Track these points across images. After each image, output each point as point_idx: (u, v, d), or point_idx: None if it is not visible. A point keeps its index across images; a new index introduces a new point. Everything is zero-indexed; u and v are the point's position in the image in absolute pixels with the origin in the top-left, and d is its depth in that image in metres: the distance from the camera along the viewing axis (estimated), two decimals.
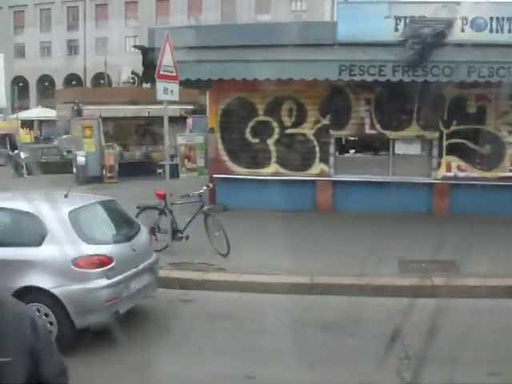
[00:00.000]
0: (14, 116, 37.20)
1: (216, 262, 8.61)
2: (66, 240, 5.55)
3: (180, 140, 20.51)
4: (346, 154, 13.41)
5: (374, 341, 4.73)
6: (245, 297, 7.43)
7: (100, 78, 48.78)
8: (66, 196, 6.34)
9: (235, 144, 13.63)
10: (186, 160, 20.62)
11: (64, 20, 54.03)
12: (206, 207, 9.55)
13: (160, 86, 9.11)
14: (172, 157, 21.36)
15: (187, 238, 9.30)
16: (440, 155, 12.78)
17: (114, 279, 5.74)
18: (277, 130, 13.32)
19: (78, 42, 51.25)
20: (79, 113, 20.04)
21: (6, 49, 48.89)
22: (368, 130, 13.02)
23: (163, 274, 7.49)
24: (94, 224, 6.36)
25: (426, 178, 12.78)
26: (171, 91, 9.32)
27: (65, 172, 24.36)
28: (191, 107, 21.25)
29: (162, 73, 9.11)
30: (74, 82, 49.63)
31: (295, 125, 13.25)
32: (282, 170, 13.35)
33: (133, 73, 24.69)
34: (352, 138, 13.60)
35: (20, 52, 54.74)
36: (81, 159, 19.13)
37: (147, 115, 19.71)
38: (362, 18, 11.97)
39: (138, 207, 9.39)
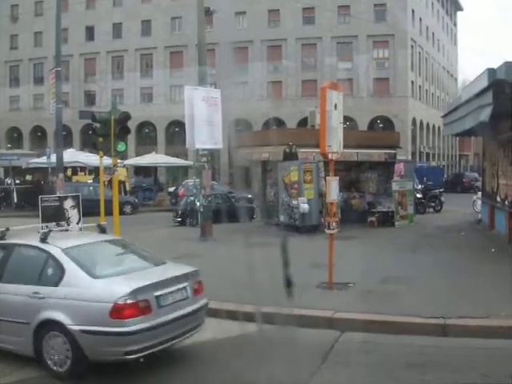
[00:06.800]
0: (131, 161, 35.96)
1: None
2: None
3: (394, 186, 19.57)
4: None
5: None
6: None
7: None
8: None
9: None
10: (400, 207, 19.64)
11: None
12: None
13: None
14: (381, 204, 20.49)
15: None
16: None
17: None
18: None
19: None
20: (292, 156, 18.84)
21: None
22: None
23: None
24: None
25: None
26: None
27: (234, 221, 23.09)
28: (394, 151, 20.29)
29: None
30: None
31: None
32: None
33: None
34: None
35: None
36: (304, 206, 17.87)
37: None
38: None
39: None
